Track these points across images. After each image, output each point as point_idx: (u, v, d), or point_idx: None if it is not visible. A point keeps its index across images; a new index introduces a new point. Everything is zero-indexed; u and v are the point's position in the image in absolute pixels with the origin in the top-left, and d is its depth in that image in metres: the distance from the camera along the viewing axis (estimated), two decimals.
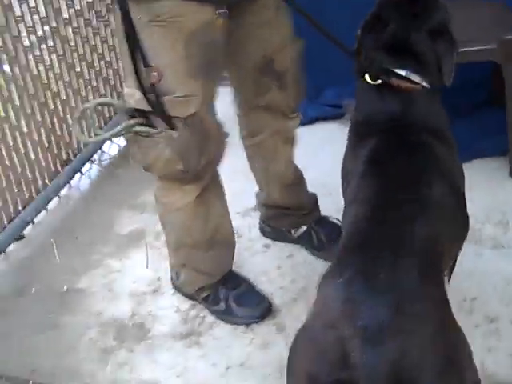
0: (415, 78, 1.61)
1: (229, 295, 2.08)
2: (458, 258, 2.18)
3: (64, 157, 2.83)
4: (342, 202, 2.41)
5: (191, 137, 1.73)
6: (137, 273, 2.36)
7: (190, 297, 2.18)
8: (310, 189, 2.33)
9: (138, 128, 1.74)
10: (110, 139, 2.51)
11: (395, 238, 1.33)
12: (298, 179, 2.27)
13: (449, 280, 1.83)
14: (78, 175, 2.94)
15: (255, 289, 2.13)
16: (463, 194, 1.67)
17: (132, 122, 1.74)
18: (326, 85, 3.07)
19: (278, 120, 2.06)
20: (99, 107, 2.08)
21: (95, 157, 3.04)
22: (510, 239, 2.25)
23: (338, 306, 1.23)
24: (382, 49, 1.60)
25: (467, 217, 1.67)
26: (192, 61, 1.66)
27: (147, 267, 2.38)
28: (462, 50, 2.24)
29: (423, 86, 1.62)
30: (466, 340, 1.31)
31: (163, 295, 2.25)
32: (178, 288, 2.20)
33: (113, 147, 3.09)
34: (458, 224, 1.60)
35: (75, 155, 2.90)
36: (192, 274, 2.11)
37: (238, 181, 2.50)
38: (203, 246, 2.02)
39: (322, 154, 2.79)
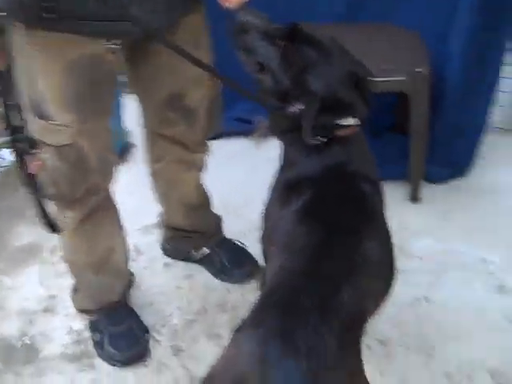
0: (352, 121, 1.55)
1: (105, 330, 2.02)
2: None
3: None
4: (244, 223, 2.45)
5: (62, 166, 1.67)
6: (29, 290, 2.27)
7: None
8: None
9: (16, 145, 1.67)
10: None
11: (321, 298, 1.27)
12: (203, 202, 2.24)
13: None
14: None
15: (135, 329, 2.04)
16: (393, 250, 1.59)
17: (11, 137, 1.67)
18: (237, 99, 3.06)
19: (182, 151, 2.00)
20: None
21: None
22: (404, 264, 2.30)
23: (250, 363, 1.17)
24: (324, 112, 1.49)
25: (395, 272, 1.59)
26: (68, 91, 1.57)
27: (41, 284, 2.29)
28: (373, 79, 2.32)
29: (357, 127, 1.57)
30: None
31: (56, 315, 2.17)
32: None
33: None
34: (389, 281, 1.54)
35: None
36: (79, 294, 2.05)
37: (140, 197, 2.45)
38: (91, 269, 1.96)
39: (226, 171, 2.78)
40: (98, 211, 1.85)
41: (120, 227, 2.00)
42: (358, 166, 1.55)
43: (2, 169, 2.91)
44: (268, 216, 1.63)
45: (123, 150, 2.94)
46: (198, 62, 1.53)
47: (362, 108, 1.57)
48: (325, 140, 1.53)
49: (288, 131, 1.57)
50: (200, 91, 1.85)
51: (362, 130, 1.61)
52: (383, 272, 1.49)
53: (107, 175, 1.81)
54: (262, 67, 1.56)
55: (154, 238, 2.44)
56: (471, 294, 2.17)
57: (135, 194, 2.59)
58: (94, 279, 1.98)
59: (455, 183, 2.68)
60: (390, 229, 1.56)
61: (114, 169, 1.84)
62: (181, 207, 2.17)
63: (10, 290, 2.28)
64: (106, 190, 1.85)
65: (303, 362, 1.15)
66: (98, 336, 2.02)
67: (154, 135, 1.98)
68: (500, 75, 2.58)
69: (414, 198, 2.60)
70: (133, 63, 1.75)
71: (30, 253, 2.43)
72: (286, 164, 1.62)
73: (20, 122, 1.64)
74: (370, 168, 1.59)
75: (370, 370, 1.86)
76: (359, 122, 1.58)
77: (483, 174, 2.71)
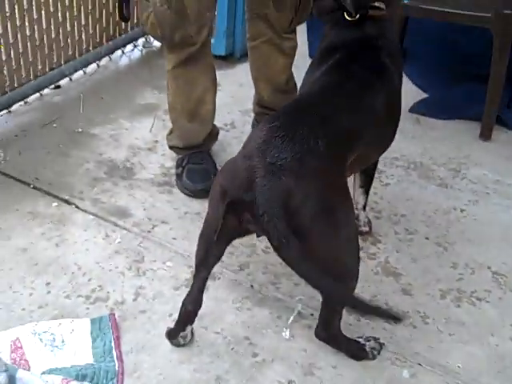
0: (382, 5, 1.94)
1: (186, 165, 2.46)
2: (405, 185, 2.54)
3: (111, 32, 3.26)
4: None
5: (166, 11, 2.15)
6: (140, 133, 2.79)
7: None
8: None
9: None
10: None
11: (324, 116, 1.65)
12: (289, 88, 2.62)
13: (368, 186, 2.21)
14: (119, 53, 3.37)
15: (210, 171, 2.45)
16: (398, 118, 1.99)
17: None
18: None
19: (272, 34, 2.41)
20: None
21: (140, 41, 3.49)
22: (456, 183, 2.59)
23: (258, 143, 1.58)
24: None
25: (390, 138, 1.98)
26: None
27: (150, 131, 2.80)
28: (462, 12, 2.60)
29: (385, 14, 1.95)
30: (351, 209, 1.67)
31: (155, 153, 2.67)
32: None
33: None
34: (381, 136, 1.91)
35: (120, 34, 3.32)
36: (172, 135, 2.53)
37: (248, 88, 2.87)
38: (187, 116, 2.43)
39: None
40: (192, 60, 2.30)
41: (212, 83, 2.44)
42: (384, 42, 1.91)
43: (148, 49, 3.47)
44: (305, 81, 2.00)
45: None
46: None
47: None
48: (358, 17, 1.90)
49: (329, 12, 1.96)
50: None
51: (392, 18, 2.00)
52: (383, 126, 1.85)
53: (201, 29, 2.24)
54: None
55: (249, 119, 2.87)
56: (504, 216, 2.42)
57: (245, 86, 3.03)
58: (187, 125, 2.46)
59: None
60: (399, 105, 1.96)
61: (208, 26, 2.27)
62: (268, 86, 2.58)
63: (126, 130, 2.81)
64: (200, 44, 2.27)
65: (296, 148, 1.53)
66: (179, 170, 2.49)
67: (252, 14, 2.42)
68: None
69: (483, 136, 2.84)
70: None
71: (149, 110, 2.96)
72: (324, 39, 1.99)
73: None
74: (394, 48, 1.94)
75: (389, 247, 2.22)
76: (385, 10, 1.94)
77: None
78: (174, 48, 2.28)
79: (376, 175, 2.38)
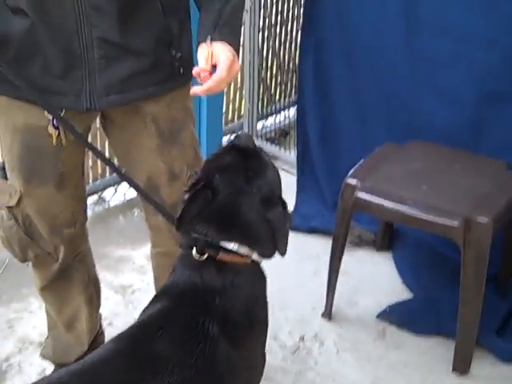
0: (244, 250, 1.44)
1: None
2: None
3: None
4: None
5: (13, 227, 1.73)
6: (43, 320, 2.36)
7: None
8: None
9: None
10: None
11: None
12: None
13: None
14: None
15: None
16: None
17: None
18: None
19: (172, 243, 1.85)
20: None
21: None
22: None
23: None
24: (210, 221, 1.43)
25: None
26: (14, 156, 1.65)
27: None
28: (423, 218, 2.05)
29: (252, 260, 1.46)
30: None
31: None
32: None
33: None
34: None
35: None
36: (48, 344, 2.09)
37: None
38: (62, 325, 2.00)
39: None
40: (59, 279, 1.87)
41: (87, 300, 1.97)
42: (224, 302, 1.39)
43: None
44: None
45: None
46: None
47: (267, 244, 1.46)
48: (202, 257, 1.42)
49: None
50: (177, 189, 1.74)
51: (261, 270, 1.50)
52: None
53: (58, 247, 1.79)
54: None
55: None
56: None
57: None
58: (64, 335, 2.02)
59: None
60: None
61: (69, 242, 1.81)
62: None
63: (30, 313, 2.42)
64: (63, 261, 1.83)
65: None
66: None
67: (148, 223, 1.90)
68: None
69: (457, 368, 2.18)
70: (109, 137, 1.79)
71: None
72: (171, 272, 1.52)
73: None
74: (238, 312, 1.42)
75: None
76: (257, 256, 1.46)
77: None
78: (34, 267, 1.86)
79: None
